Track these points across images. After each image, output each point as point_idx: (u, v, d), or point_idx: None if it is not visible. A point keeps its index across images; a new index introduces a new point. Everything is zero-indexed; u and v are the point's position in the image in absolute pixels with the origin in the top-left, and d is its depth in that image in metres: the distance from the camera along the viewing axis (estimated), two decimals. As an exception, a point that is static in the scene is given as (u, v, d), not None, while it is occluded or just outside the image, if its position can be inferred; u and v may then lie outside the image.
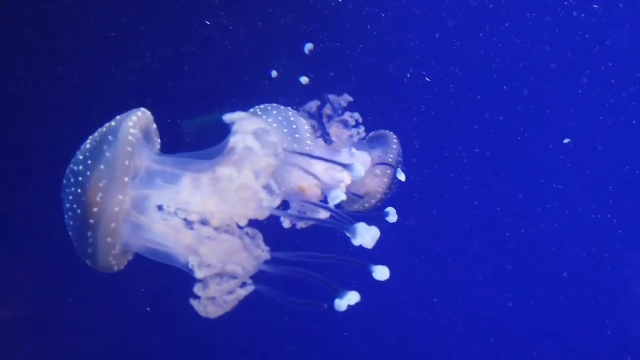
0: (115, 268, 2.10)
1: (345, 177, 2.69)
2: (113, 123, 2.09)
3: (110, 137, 2.04)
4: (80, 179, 2.01)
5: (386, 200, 3.21)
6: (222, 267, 1.97)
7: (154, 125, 2.24)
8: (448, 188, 5.64)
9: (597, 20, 5.61)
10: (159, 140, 2.28)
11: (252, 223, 2.20)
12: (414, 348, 6.30)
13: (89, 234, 2.00)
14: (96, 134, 2.09)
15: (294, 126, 2.51)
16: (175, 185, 2.07)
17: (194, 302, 2.02)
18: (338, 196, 2.25)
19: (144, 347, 5.69)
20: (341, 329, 5.83)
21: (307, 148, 2.51)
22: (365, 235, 2.03)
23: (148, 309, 5.14)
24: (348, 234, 2.08)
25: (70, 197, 2.02)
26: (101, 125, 2.16)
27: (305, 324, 5.51)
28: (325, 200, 2.66)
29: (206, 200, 2.02)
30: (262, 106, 2.54)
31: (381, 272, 2.07)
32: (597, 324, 6.43)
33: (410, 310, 6.05)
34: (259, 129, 2.06)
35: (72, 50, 4.38)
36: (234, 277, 2.00)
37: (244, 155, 2.02)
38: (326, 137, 3.06)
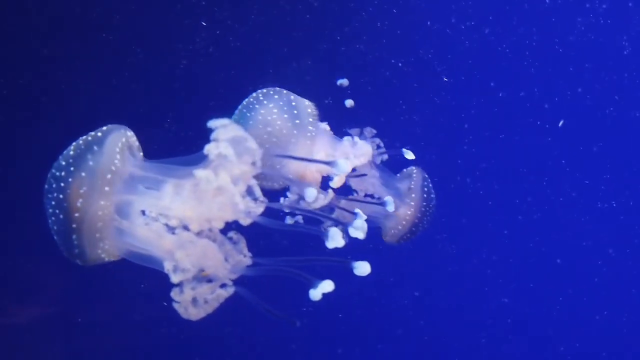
0: (106, 259, 2.16)
1: (347, 166, 2.71)
2: (100, 134, 2.14)
3: (95, 148, 2.10)
4: (62, 184, 2.07)
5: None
6: (196, 272, 2.02)
7: (137, 144, 2.29)
8: (447, 182, 5.60)
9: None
10: (142, 154, 2.33)
11: (244, 228, 2.26)
12: (404, 344, 6.29)
13: (74, 236, 2.07)
14: (81, 141, 2.14)
15: (295, 111, 2.56)
16: (157, 191, 2.13)
17: (176, 305, 2.08)
18: (313, 194, 2.27)
19: (172, 344, 5.79)
20: (330, 321, 5.84)
21: (309, 134, 2.57)
22: (338, 240, 2.05)
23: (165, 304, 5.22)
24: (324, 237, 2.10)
25: (53, 203, 2.08)
26: (94, 128, 2.24)
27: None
28: (324, 188, 2.71)
29: (186, 205, 2.07)
30: (264, 90, 2.60)
31: (362, 268, 2.11)
32: (589, 321, 6.34)
33: (404, 303, 6.01)
34: (236, 137, 2.10)
35: (65, 53, 4.44)
36: (210, 281, 2.06)
37: (218, 162, 2.06)
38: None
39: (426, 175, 3.27)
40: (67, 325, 5.41)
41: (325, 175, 2.73)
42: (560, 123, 5.50)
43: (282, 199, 2.59)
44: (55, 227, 2.10)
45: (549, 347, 6.51)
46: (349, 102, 3.07)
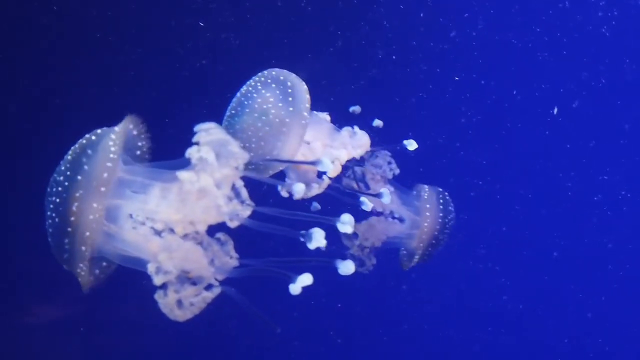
0: (92, 278, 2.23)
1: (343, 155, 2.74)
2: (93, 137, 2.19)
3: (89, 151, 2.14)
4: (60, 189, 2.12)
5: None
6: (179, 274, 2.06)
7: (135, 132, 2.34)
8: (446, 179, 5.57)
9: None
10: (144, 144, 2.38)
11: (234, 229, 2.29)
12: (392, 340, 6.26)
13: (66, 240, 2.12)
14: (77, 145, 2.19)
15: (290, 99, 2.58)
16: (144, 194, 2.17)
17: (161, 307, 2.12)
18: (302, 190, 2.29)
19: (193, 343, 5.85)
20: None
21: (303, 122, 2.59)
22: (320, 240, 2.07)
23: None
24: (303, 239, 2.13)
25: (51, 206, 2.14)
26: (98, 127, 2.29)
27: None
28: (319, 176, 2.75)
29: (171, 209, 2.11)
30: (262, 76, 2.63)
31: (345, 267, 2.14)
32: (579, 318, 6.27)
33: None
34: (219, 140, 2.13)
35: (65, 54, 4.49)
36: (194, 283, 2.10)
37: (200, 166, 2.10)
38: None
39: (440, 189, 3.26)
40: (87, 324, 5.49)
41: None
42: (555, 110, 5.44)
43: (279, 186, 2.64)
44: (50, 230, 2.16)
45: (550, 344, 6.46)
46: (377, 122, 3.07)
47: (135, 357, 5.69)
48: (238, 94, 2.64)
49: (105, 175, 2.10)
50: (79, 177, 2.10)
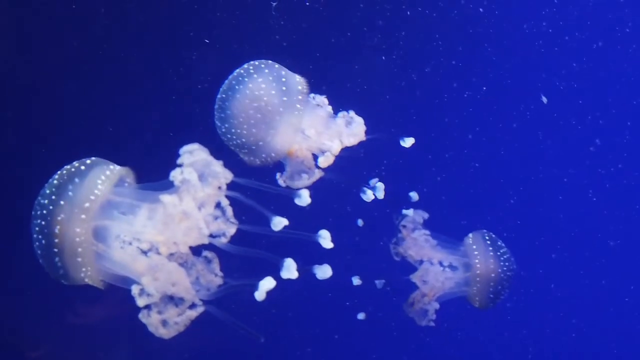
0: (90, 282, 2.23)
1: (334, 147, 2.73)
2: (82, 167, 2.22)
3: (77, 180, 2.18)
4: (44, 212, 2.16)
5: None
6: (161, 297, 2.11)
7: (129, 178, 2.34)
8: (449, 185, 5.46)
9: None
10: (129, 181, 2.37)
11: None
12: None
13: (57, 259, 2.16)
14: (64, 171, 2.23)
15: (284, 88, 2.58)
16: (132, 215, 2.22)
17: (147, 326, 2.18)
18: (281, 222, 2.29)
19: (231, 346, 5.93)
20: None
21: (296, 112, 2.58)
22: (292, 271, 2.09)
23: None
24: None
25: (37, 228, 2.18)
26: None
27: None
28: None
29: (155, 230, 2.16)
30: (256, 62, 2.62)
31: (322, 272, 2.20)
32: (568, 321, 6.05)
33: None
34: (201, 161, 2.16)
35: (68, 61, 4.53)
36: (176, 304, 2.14)
37: (183, 187, 2.14)
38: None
39: (485, 231, 3.30)
40: (133, 325, 5.61)
41: (314, 153, 2.76)
42: (544, 100, 5.24)
43: (278, 175, 2.66)
44: (39, 252, 2.20)
45: (551, 345, 6.28)
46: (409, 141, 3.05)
47: (180, 357, 5.81)
48: (229, 77, 2.62)
49: (87, 204, 2.14)
50: (62, 202, 2.15)
